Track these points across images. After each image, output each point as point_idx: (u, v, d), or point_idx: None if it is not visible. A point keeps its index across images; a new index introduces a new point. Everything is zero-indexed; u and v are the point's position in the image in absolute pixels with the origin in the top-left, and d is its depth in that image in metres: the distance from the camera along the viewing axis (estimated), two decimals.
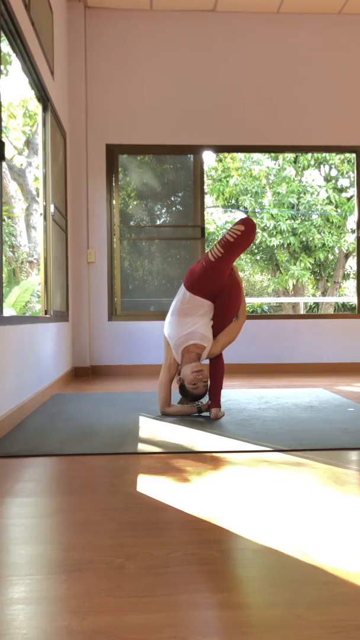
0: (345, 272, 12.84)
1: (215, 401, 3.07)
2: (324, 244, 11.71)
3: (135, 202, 5.75)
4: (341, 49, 5.58)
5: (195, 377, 2.99)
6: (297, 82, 5.54)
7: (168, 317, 3.18)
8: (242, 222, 3.05)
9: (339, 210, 11.55)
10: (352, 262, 12.38)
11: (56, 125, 4.49)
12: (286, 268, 11.92)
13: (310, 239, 11.61)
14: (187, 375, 3.02)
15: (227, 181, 11.74)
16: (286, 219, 11.52)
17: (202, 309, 3.08)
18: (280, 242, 11.61)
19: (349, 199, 11.55)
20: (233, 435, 2.60)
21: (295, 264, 11.83)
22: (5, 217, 8.63)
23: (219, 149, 5.97)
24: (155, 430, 2.72)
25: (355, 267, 6.79)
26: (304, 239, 11.69)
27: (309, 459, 2.19)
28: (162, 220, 5.92)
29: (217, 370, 3.12)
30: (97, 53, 5.40)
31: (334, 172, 12.07)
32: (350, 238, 11.66)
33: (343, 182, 12.06)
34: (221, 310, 3.11)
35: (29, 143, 9.83)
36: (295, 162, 11.94)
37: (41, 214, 4.23)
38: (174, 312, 3.12)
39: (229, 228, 3.08)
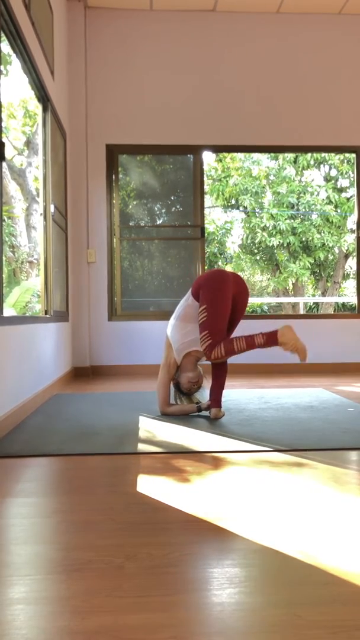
0: (345, 272, 12.83)
1: (216, 401, 3.08)
2: (323, 244, 11.71)
3: (135, 202, 5.74)
4: (341, 49, 5.58)
5: (190, 386, 3.13)
6: (297, 82, 5.54)
7: (172, 320, 3.18)
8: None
9: (338, 210, 11.55)
10: (352, 262, 12.37)
11: (56, 125, 4.49)
12: (286, 266, 11.92)
13: (310, 238, 11.61)
14: (183, 383, 3.14)
15: (227, 181, 11.74)
16: (285, 219, 11.51)
17: None
18: (279, 242, 11.61)
19: (348, 199, 11.55)
20: (233, 435, 2.60)
21: (295, 262, 11.83)
22: (5, 217, 8.63)
23: (219, 149, 5.97)
24: (155, 430, 2.72)
25: (355, 267, 6.78)
26: (303, 238, 11.68)
27: (309, 459, 2.19)
28: (161, 220, 5.91)
29: (220, 371, 3.13)
30: (97, 53, 5.40)
31: (333, 172, 12.06)
32: (350, 238, 11.65)
33: (343, 182, 12.06)
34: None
35: (29, 143, 9.82)
36: (295, 162, 11.93)
37: (41, 214, 4.23)
38: (178, 316, 3.13)
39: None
